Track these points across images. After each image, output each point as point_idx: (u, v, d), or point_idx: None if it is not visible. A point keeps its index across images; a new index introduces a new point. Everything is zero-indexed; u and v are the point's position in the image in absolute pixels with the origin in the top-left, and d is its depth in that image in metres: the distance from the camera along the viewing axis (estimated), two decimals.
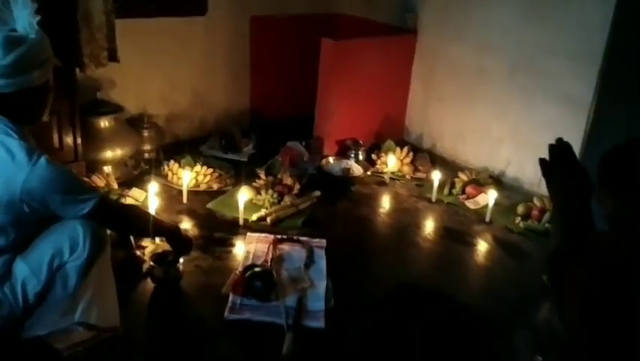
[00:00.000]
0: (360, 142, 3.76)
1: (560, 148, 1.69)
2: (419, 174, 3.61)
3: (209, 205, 3.05)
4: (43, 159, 1.67)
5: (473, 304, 2.41)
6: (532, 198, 3.21)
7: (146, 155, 3.47)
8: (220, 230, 2.84)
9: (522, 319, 2.22)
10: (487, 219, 3.10)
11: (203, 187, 3.20)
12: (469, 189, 3.34)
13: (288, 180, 3.22)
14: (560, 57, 3.18)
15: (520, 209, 3.13)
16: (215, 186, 3.22)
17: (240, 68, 4.04)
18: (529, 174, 3.46)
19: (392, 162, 3.58)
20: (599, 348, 0.97)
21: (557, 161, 1.68)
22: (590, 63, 2.92)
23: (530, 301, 2.42)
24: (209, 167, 3.30)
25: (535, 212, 3.06)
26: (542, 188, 3.34)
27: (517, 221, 3.08)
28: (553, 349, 1.16)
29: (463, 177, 3.45)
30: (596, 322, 0.97)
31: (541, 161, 1.73)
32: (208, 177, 3.24)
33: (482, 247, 2.91)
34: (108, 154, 3.15)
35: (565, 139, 1.75)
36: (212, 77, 3.91)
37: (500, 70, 3.52)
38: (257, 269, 2.33)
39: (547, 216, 2.99)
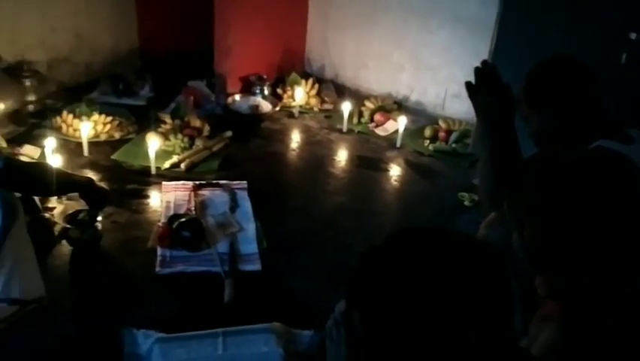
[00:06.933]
0: (264, 77, 3.65)
1: (484, 70, 1.75)
2: (326, 106, 3.60)
3: (115, 156, 2.84)
4: None
5: (396, 224, 2.50)
6: (437, 120, 3.33)
7: (31, 107, 3.13)
8: (131, 182, 2.67)
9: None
10: (398, 144, 3.18)
11: (103, 137, 2.96)
12: (377, 117, 3.39)
13: (197, 123, 3.07)
14: None
15: (428, 132, 3.24)
16: (117, 135, 3.00)
17: (124, 3, 3.69)
18: (431, 97, 3.57)
19: (299, 95, 3.52)
20: (561, 254, 1.05)
21: (482, 82, 1.74)
22: None
23: (446, 214, 2.61)
24: (107, 115, 3.05)
25: (442, 134, 3.18)
26: (446, 110, 3.49)
27: (426, 144, 3.18)
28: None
29: (370, 104, 3.49)
30: (555, 229, 1.05)
31: (467, 83, 1.78)
32: (108, 126, 3.00)
33: (396, 171, 3.00)
34: None
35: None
36: (95, 15, 3.54)
37: None
38: (183, 219, 2.23)
39: (453, 136, 3.13)
